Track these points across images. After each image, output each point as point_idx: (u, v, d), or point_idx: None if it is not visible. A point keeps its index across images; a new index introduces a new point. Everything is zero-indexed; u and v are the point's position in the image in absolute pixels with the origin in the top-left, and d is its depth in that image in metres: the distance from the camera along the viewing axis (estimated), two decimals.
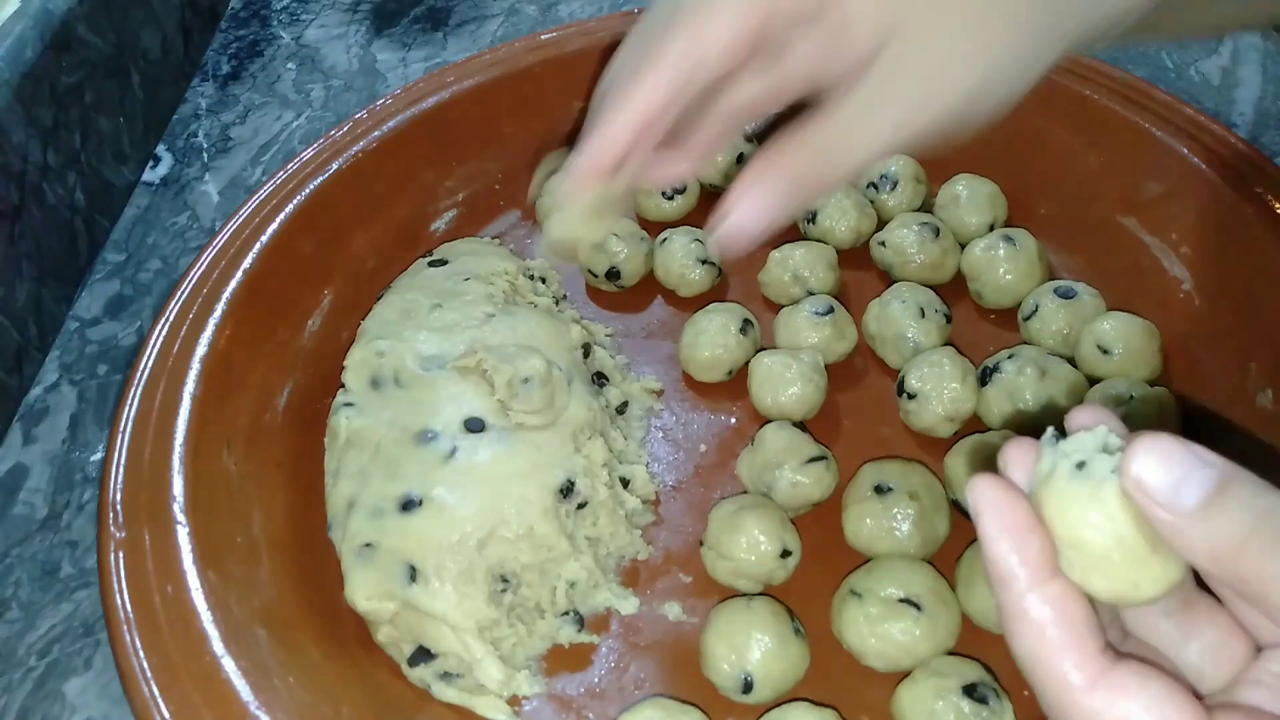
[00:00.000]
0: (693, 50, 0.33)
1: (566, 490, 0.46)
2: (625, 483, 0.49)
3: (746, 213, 0.33)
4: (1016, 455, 0.26)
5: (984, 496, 0.25)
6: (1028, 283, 0.55)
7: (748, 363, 0.54)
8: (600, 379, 0.53)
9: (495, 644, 0.44)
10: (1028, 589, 0.24)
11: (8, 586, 0.49)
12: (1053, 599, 0.24)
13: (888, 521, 0.45)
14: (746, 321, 0.55)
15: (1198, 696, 0.24)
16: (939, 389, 0.50)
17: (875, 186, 0.61)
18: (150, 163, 0.71)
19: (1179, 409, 0.48)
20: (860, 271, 0.59)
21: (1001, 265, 0.55)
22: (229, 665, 0.40)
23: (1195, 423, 0.49)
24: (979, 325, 0.57)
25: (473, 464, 0.46)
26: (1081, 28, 0.32)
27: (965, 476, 0.47)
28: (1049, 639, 0.24)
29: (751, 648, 0.42)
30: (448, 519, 0.44)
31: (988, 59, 0.32)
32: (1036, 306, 0.54)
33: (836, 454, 0.49)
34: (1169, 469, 0.23)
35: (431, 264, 0.57)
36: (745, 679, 0.42)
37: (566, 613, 0.46)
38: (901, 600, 0.42)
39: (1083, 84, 0.58)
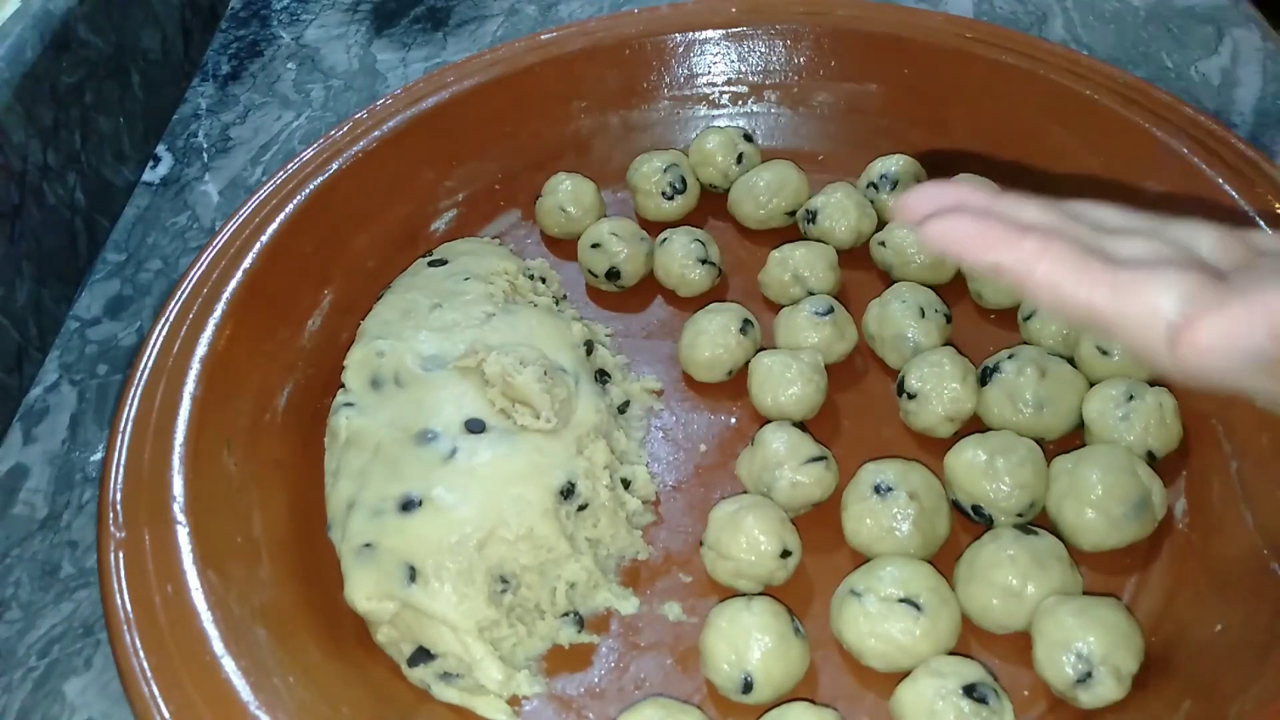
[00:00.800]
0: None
1: (567, 492, 0.46)
2: (626, 484, 0.49)
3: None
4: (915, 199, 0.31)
5: (944, 232, 0.29)
6: None
7: (748, 363, 0.54)
8: (603, 376, 0.53)
9: (495, 644, 0.44)
10: (1029, 269, 0.28)
11: (8, 586, 0.49)
12: (1047, 258, 0.28)
13: (888, 521, 0.45)
14: (746, 321, 0.55)
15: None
16: (939, 389, 0.50)
17: (875, 186, 0.61)
18: (150, 163, 0.71)
19: (1179, 409, 0.48)
20: (860, 271, 0.59)
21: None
22: (229, 665, 0.40)
23: (1196, 423, 0.49)
24: (979, 325, 0.57)
25: (473, 465, 0.46)
26: None
27: (965, 477, 0.47)
28: (1064, 287, 0.28)
29: (751, 648, 0.42)
30: (447, 519, 0.44)
31: None
32: (1036, 307, 0.54)
33: (836, 454, 0.49)
34: None
35: (431, 264, 0.57)
36: (745, 679, 0.42)
37: (566, 614, 0.46)
38: (901, 600, 0.42)
39: (1083, 84, 0.58)
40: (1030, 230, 0.29)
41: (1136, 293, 0.27)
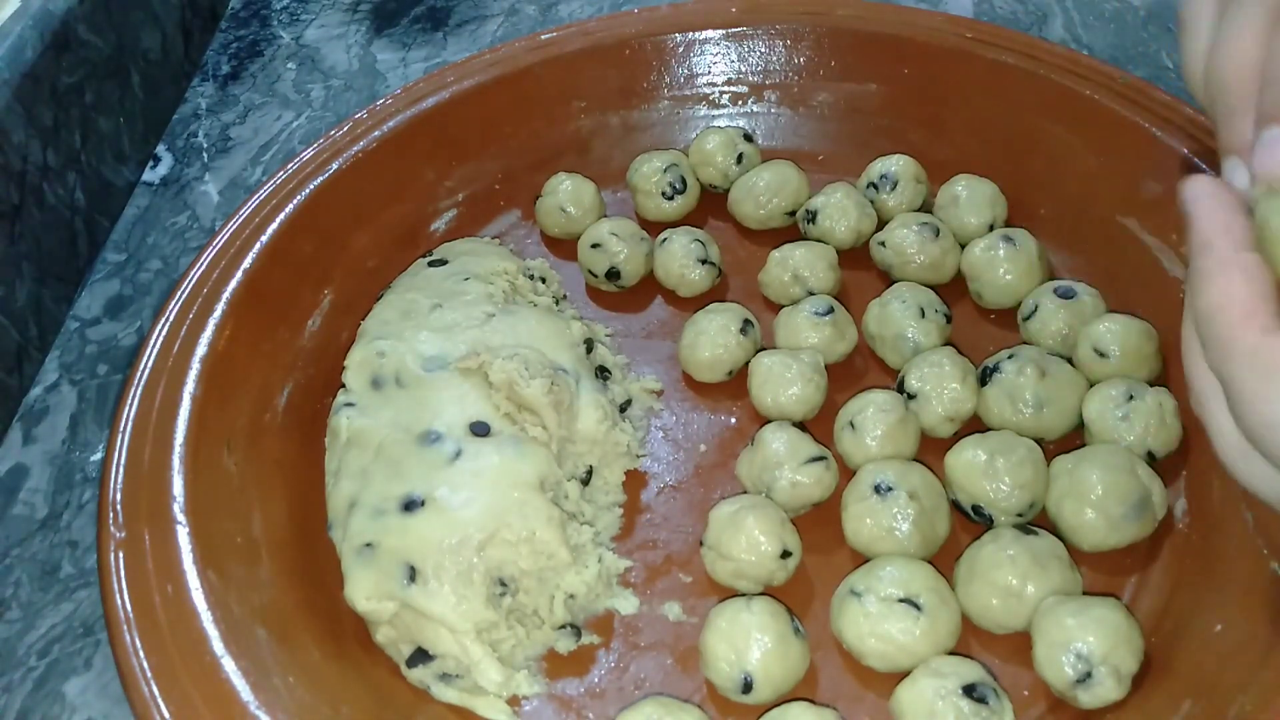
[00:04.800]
0: None
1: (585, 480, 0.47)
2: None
3: None
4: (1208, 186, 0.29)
5: (1200, 184, 0.29)
6: (1028, 283, 0.55)
7: (748, 363, 0.54)
8: (603, 373, 0.53)
9: (494, 645, 0.44)
10: (1230, 251, 0.28)
11: (8, 586, 0.49)
12: (1247, 265, 0.27)
13: (888, 521, 0.45)
14: (746, 321, 0.55)
15: None
16: (939, 389, 0.50)
17: (875, 186, 0.61)
18: (150, 163, 0.71)
19: (1179, 409, 0.48)
20: (860, 271, 0.59)
21: (1001, 265, 0.55)
22: (229, 665, 0.40)
23: (1196, 423, 0.49)
24: (979, 325, 0.57)
25: (479, 467, 0.46)
26: None
27: (965, 477, 0.47)
28: (1236, 290, 0.27)
29: (751, 648, 0.42)
30: (449, 520, 0.44)
31: None
32: (1036, 306, 0.54)
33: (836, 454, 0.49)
34: None
35: (431, 264, 0.57)
36: (745, 679, 0.42)
37: (563, 626, 0.46)
38: (901, 600, 0.42)
39: (1083, 84, 0.58)
40: None
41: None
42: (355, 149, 0.60)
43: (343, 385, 0.51)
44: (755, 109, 0.67)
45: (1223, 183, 0.29)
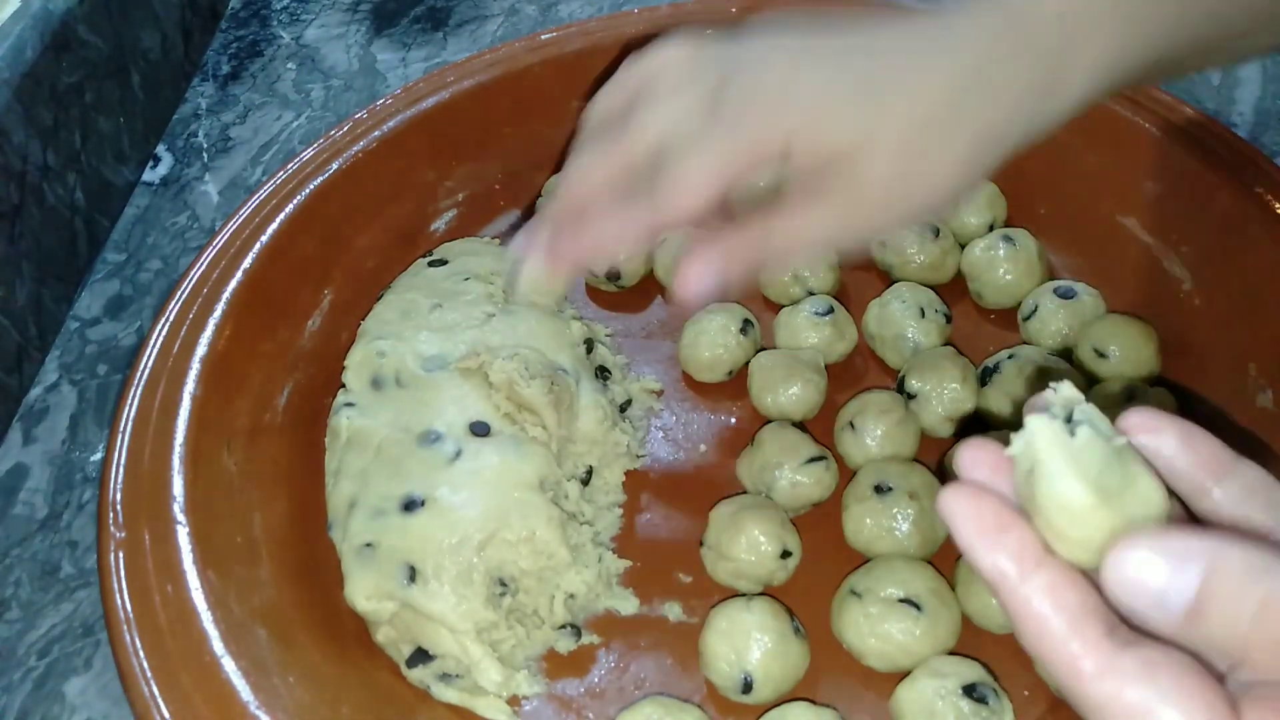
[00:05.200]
0: (662, 213, 0.36)
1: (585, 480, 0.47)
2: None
3: (692, 281, 0.36)
4: (971, 457, 0.26)
5: (952, 507, 0.25)
6: (1028, 283, 0.55)
7: (748, 363, 0.54)
8: (603, 373, 0.53)
9: (494, 645, 0.44)
10: (1018, 584, 0.24)
11: (8, 586, 0.49)
12: (1046, 588, 0.24)
13: (888, 521, 0.45)
14: (746, 321, 0.55)
15: (1219, 676, 0.23)
16: (939, 389, 0.50)
17: None
18: (150, 163, 0.71)
19: (1178, 409, 0.48)
20: (860, 271, 0.59)
21: (1001, 265, 0.55)
22: (229, 665, 0.40)
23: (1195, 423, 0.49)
24: (979, 325, 0.57)
25: (479, 467, 0.46)
26: (1013, 146, 0.35)
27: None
28: (1051, 630, 0.24)
29: (751, 648, 0.42)
30: (449, 520, 0.44)
31: (934, 186, 0.35)
32: (1036, 306, 0.54)
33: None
34: (1151, 576, 0.22)
35: (431, 264, 0.57)
36: (745, 679, 0.42)
37: (564, 626, 0.46)
38: (901, 600, 0.42)
39: None
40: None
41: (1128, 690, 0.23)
42: (355, 149, 0.60)
43: (343, 385, 0.51)
44: None
45: (973, 485, 0.26)
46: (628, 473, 0.51)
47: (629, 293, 0.60)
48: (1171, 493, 0.26)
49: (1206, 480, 0.26)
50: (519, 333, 0.51)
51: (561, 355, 0.51)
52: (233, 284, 0.53)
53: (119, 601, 0.42)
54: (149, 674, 0.40)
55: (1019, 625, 0.25)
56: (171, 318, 0.51)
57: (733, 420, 0.54)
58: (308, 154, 0.59)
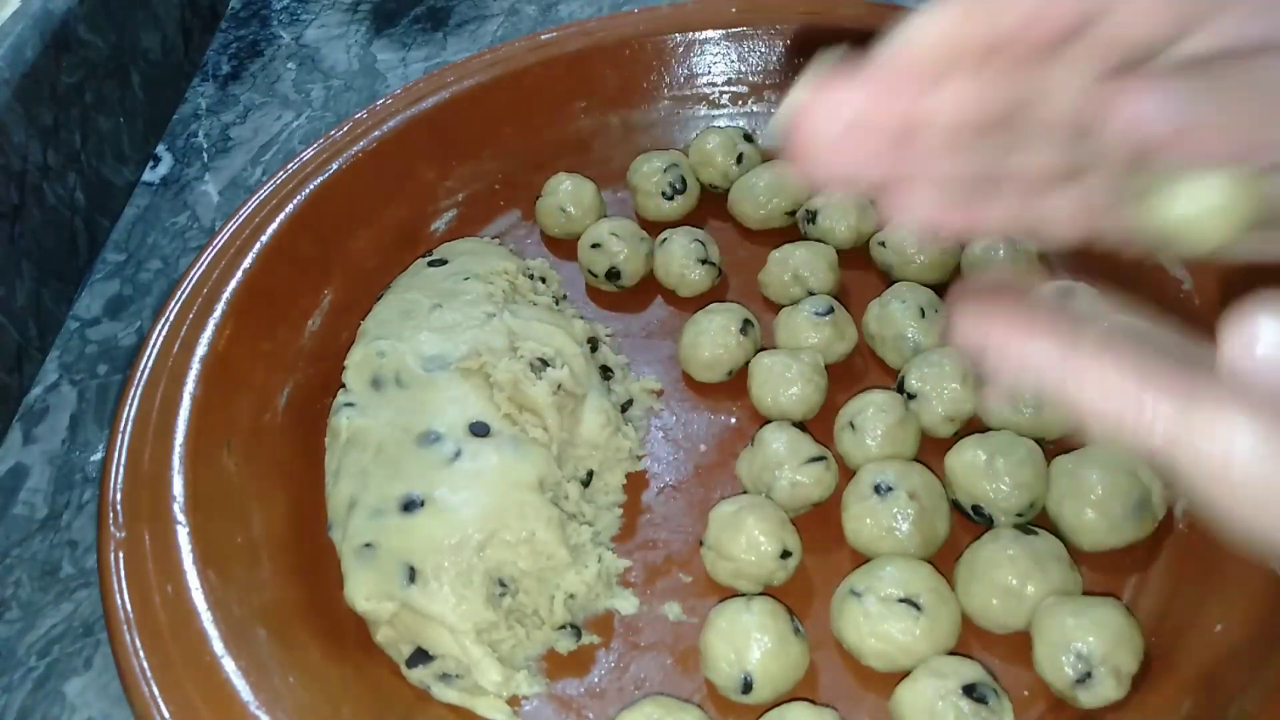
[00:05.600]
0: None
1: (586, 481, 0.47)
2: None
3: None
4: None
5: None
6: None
7: (748, 363, 0.54)
8: (606, 373, 0.53)
9: (494, 645, 0.44)
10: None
11: (8, 586, 0.49)
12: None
13: (888, 521, 0.45)
14: (746, 321, 0.55)
15: None
16: (939, 389, 0.50)
17: None
18: (150, 163, 0.71)
19: None
20: (860, 271, 0.59)
21: (1001, 265, 0.55)
22: (229, 665, 0.40)
23: None
24: None
25: (478, 467, 0.46)
26: None
27: (965, 477, 0.47)
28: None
29: (751, 648, 0.42)
30: (449, 520, 0.44)
31: None
32: None
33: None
34: None
35: (431, 264, 0.57)
36: (745, 679, 0.42)
37: (563, 626, 0.46)
38: (901, 600, 0.42)
39: None
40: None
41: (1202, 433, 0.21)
42: (355, 149, 0.60)
43: (343, 385, 0.51)
44: (755, 109, 0.67)
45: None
46: (628, 473, 0.51)
47: (629, 293, 0.60)
48: None
49: None
50: (532, 329, 0.51)
51: (576, 356, 0.51)
52: (233, 284, 0.53)
53: (119, 601, 0.42)
54: (149, 674, 0.40)
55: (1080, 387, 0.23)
56: (171, 318, 0.51)
57: (733, 420, 0.54)
58: (308, 154, 0.59)
